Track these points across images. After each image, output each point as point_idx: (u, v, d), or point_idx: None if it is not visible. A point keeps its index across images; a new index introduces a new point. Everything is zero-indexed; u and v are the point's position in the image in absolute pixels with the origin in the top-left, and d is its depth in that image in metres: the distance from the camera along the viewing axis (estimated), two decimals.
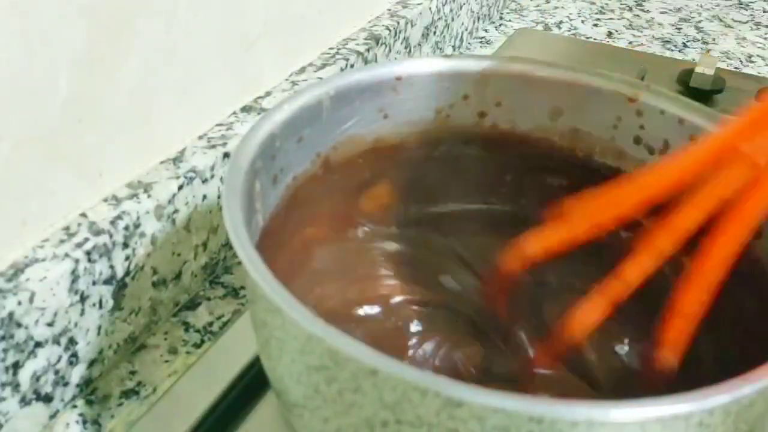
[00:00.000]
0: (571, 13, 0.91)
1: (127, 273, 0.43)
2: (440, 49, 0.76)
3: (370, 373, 0.27)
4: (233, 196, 0.33)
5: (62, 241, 0.40)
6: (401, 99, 0.43)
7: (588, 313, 0.36)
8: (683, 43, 0.86)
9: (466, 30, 0.82)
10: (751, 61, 0.82)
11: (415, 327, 0.43)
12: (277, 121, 0.38)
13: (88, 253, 0.40)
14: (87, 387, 0.43)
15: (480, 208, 0.45)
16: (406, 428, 0.27)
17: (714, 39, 0.87)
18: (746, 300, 0.38)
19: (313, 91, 0.40)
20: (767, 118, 0.35)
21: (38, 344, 0.39)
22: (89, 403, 0.43)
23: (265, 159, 0.37)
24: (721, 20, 0.92)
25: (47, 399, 0.41)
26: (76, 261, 0.40)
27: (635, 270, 0.36)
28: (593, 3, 0.94)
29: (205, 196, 0.48)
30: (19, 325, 0.37)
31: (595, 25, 0.89)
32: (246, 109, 0.53)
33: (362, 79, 0.42)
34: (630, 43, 0.85)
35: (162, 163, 0.47)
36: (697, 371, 0.36)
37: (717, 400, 0.26)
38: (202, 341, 0.47)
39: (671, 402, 0.26)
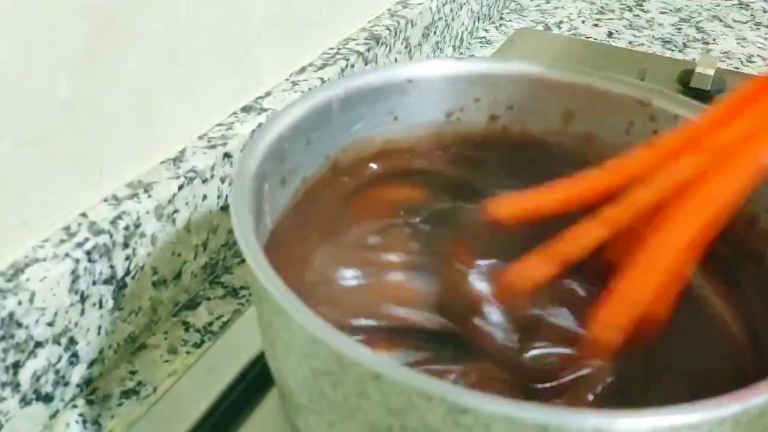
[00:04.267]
0: (571, 13, 0.91)
1: (127, 273, 0.43)
2: (440, 49, 0.76)
3: (374, 377, 0.27)
4: (242, 197, 0.33)
5: (62, 241, 0.40)
6: (412, 101, 0.43)
7: (531, 267, 0.36)
8: (683, 43, 0.86)
9: (466, 30, 0.82)
10: (752, 62, 0.82)
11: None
12: (285, 123, 0.38)
13: (88, 252, 0.40)
14: (87, 387, 0.43)
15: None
16: None
17: (714, 39, 0.87)
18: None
19: (323, 92, 0.40)
20: (733, 112, 0.35)
21: (38, 344, 0.39)
22: (89, 403, 0.43)
23: (273, 161, 0.37)
24: (721, 20, 0.92)
25: (47, 399, 0.40)
26: (77, 261, 0.40)
27: (582, 233, 0.36)
28: (593, 3, 0.94)
29: (205, 196, 0.48)
30: (19, 324, 0.37)
31: (595, 25, 0.89)
32: (246, 109, 0.53)
33: (372, 81, 0.42)
34: (630, 43, 0.85)
35: (162, 163, 0.47)
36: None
37: (727, 410, 0.26)
38: (202, 341, 0.47)
39: (681, 411, 0.26)
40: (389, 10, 0.68)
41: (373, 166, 0.43)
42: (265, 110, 0.53)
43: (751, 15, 0.94)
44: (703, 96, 0.69)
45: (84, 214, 0.42)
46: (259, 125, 0.50)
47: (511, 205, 0.39)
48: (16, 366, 0.38)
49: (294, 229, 0.40)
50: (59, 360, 0.40)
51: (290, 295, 0.29)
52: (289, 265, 0.35)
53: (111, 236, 0.42)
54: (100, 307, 0.42)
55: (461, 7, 0.78)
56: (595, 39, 0.85)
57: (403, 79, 0.42)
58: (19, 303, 0.37)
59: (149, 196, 0.44)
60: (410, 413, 0.26)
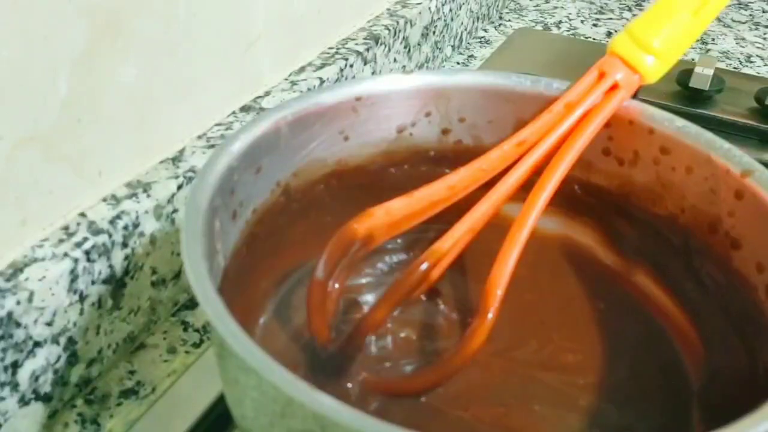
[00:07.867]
0: (570, 13, 0.91)
1: (126, 272, 0.43)
2: (439, 49, 0.76)
3: None
4: (194, 242, 0.31)
5: (61, 241, 0.40)
6: (362, 119, 0.42)
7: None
8: None
9: (466, 30, 0.82)
10: (750, 62, 0.82)
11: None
12: (234, 152, 0.36)
13: (87, 252, 0.40)
14: (86, 386, 0.43)
15: (444, 228, 0.41)
16: None
17: (713, 39, 0.87)
18: (727, 310, 0.38)
19: (271, 117, 0.39)
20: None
21: (37, 344, 0.39)
22: (88, 402, 0.43)
23: (223, 195, 0.35)
24: (720, 20, 0.92)
25: (46, 398, 0.41)
26: (76, 260, 0.40)
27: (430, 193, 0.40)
28: (593, 3, 0.94)
29: None
30: (18, 324, 0.37)
31: (595, 25, 0.89)
32: (245, 109, 0.53)
33: (321, 101, 0.40)
34: None
35: (161, 162, 0.47)
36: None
37: None
38: (201, 341, 0.47)
39: None
40: (388, 9, 0.69)
41: (325, 189, 0.42)
42: (264, 110, 0.53)
43: (750, 15, 0.94)
44: (702, 96, 0.69)
45: (83, 214, 0.42)
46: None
47: (384, 224, 0.39)
48: (15, 366, 0.38)
49: (247, 264, 0.38)
50: (58, 360, 0.40)
51: (259, 352, 0.27)
52: (243, 306, 0.34)
53: (110, 236, 0.42)
54: (99, 306, 0.42)
55: (460, 7, 0.78)
56: (594, 39, 0.85)
57: (352, 98, 0.41)
58: (18, 303, 0.37)
59: (148, 195, 0.44)
60: None
